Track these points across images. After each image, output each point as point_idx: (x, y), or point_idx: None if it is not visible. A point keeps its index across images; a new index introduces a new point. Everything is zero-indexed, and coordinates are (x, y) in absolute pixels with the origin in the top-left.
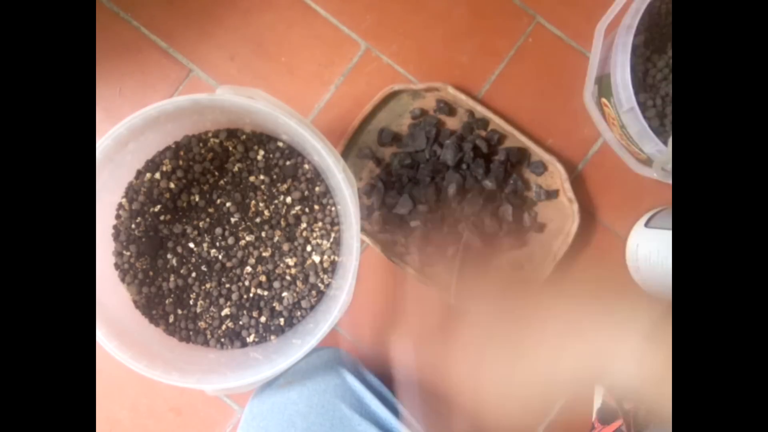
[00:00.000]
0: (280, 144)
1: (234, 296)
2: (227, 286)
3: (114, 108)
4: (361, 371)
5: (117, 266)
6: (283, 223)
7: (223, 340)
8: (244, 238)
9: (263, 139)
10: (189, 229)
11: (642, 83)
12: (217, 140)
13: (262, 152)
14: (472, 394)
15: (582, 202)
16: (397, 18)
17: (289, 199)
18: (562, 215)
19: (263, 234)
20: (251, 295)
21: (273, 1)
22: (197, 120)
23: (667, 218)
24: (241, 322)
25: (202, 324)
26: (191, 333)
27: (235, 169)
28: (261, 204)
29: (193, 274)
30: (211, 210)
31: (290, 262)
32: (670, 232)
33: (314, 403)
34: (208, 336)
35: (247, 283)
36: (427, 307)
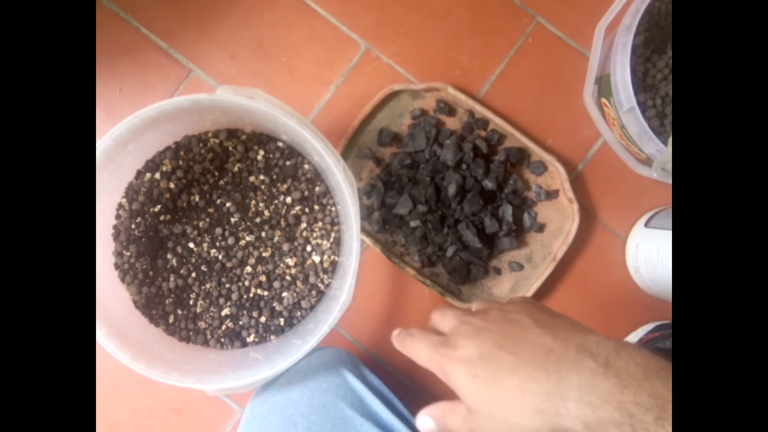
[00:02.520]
0: (280, 144)
1: (234, 296)
2: (227, 286)
3: (114, 108)
4: (362, 371)
5: (117, 266)
6: (283, 223)
7: (223, 340)
8: (244, 238)
9: (263, 139)
10: (189, 229)
11: (642, 83)
12: (217, 140)
13: (262, 152)
14: None
15: (582, 202)
16: (397, 18)
17: (289, 199)
18: (562, 215)
19: (263, 234)
20: (251, 295)
21: (273, 1)
22: (197, 120)
23: (667, 218)
24: (241, 322)
25: (202, 324)
26: (191, 333)
27: (235, 169)
28: (261, 204)
29: (193, 274)
30: (211, 210)
31: (290, 262)
32: (670, 232)
33: (315, 403)
34: (208, 336)
35: (247, 283)
36: (427, 307)
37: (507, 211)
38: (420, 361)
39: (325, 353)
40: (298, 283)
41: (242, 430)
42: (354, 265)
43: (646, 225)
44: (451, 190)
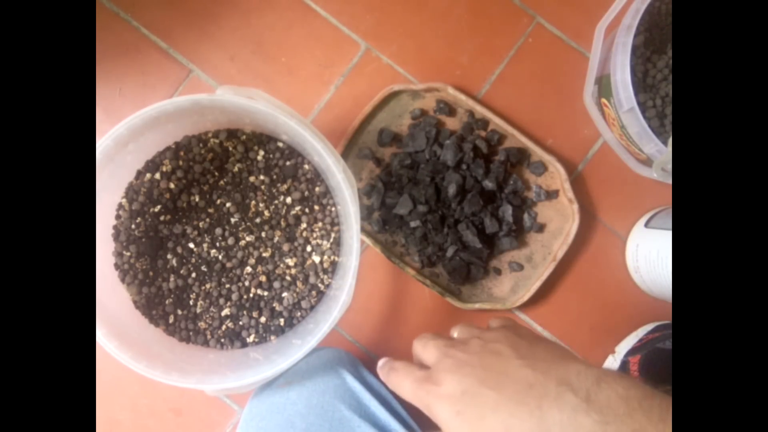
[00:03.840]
0: (280, 144)
1: (234, 296)
2: (227, 286)
3: (114, 108)
4: (361, 372)
5: (117, 266)
6: (283, 223)
7: (223, 340)
8: (244, 239)
9: (263, 139)
10: (189, 230)
11: (642, 83)
12: (217, 140)
13: (262, 152)
14: None
15: (582, 202)
16: (397, 18)
17: (289, 200)
18: (562, 215)
19: (263, 234)
20: (251, 295)
21: (273, 1)
22: (197, 120)
23: (667, 218)
24: (241, 323)
25: (202, 324)
26: (191, 333)
27: (235, 169)
28: (261, 204)
29: (193, 275)
30: (211, 210)
31: (290, 262)
32: (670, 232)
33: (313, 403)
34: (208, 336)
35: (247, 283)
36: (427, 307)
37: (507, 212)
38: (404, 397)
39: (324, 354)
40: (298, 284)
41: (241, 430)
42: (354, 265)
43: (646, 225)
44: (451, 190)
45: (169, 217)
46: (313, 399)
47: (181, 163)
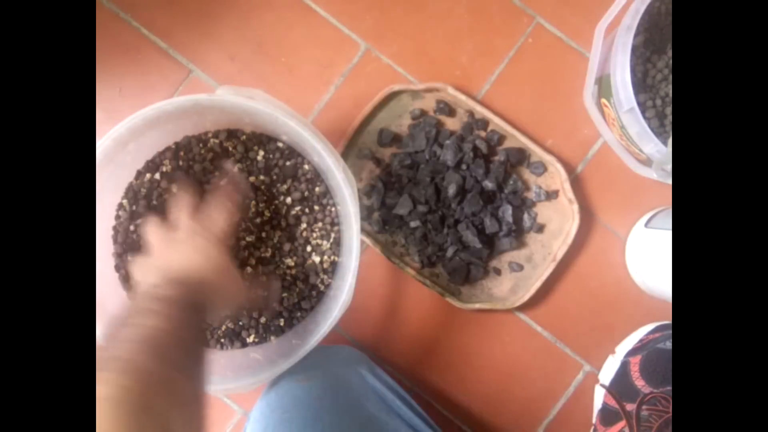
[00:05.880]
0: (280, 144)
1: None
2: None
3: (114, 108)
4: (375, 370)
5: (117, 268)
6: (283, 223)
7: (223, 340)
8: (244, 239)
9: (263, 139)
10: None
11: (642, 84)
12: (217, 141)
13: (262, 153)
14: (471, 392)
15: (582, 202)
16: (397, 18)
17: (289, 200)
18: (562, 215)
19: (263, 234)
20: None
21: (273, 1)
22: (197, 120)
23: (667, 218)
24: (241, 323)
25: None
26: None
27: (235, 169)
28: (261, 204)
29: None
30: None
31: (290, 262)
32: (670, 232)
33: (340, 402)
34: (208, 336)
35: (247, 283)
36: (427, 307)
37: (507, 212)
38: None
39: (340, 351)
40: (299, 284)
41: (257, 423)
42: (354, 265)
43: (646, 225)
44: (451, 190)
45: None
46: (340, 397)
47: (181, 163)
